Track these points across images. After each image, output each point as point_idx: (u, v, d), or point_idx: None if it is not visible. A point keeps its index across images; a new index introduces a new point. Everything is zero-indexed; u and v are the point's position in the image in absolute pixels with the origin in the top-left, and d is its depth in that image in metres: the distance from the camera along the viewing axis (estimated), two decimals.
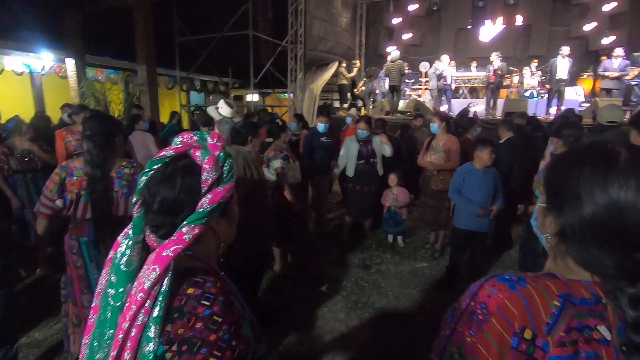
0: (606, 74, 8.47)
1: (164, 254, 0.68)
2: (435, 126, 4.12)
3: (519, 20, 12.21)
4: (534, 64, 10.38)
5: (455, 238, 3.58)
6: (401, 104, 10.18)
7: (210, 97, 14.58)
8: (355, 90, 10.69)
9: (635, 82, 8.48)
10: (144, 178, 0.77)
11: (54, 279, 2.34)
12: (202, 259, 0.79)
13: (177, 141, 0.79)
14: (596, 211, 0.61)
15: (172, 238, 0.70)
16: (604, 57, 9.45)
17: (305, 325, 2.92)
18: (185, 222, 0.72)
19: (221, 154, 0.79)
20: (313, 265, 3.96)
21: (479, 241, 3.44)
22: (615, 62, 8.25)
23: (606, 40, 10.89)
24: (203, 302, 0.68)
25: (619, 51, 8.27)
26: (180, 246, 0.69)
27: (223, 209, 0.79)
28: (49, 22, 8.27)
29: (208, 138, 0.79)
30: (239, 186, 2.42)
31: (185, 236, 0.70)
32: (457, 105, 10.06)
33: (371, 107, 11.29)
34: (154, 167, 0.77)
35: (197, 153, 0.77)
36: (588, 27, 11.29)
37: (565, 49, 8.34)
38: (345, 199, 4.96)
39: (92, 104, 7.84)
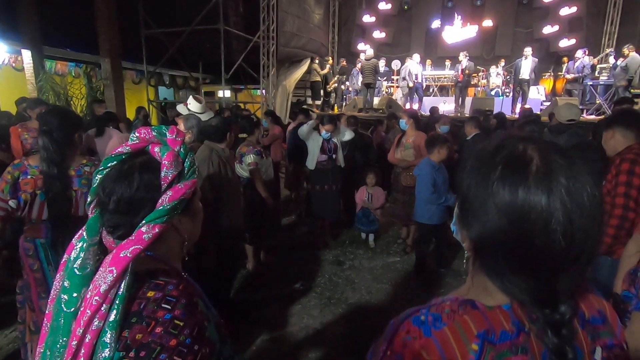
0: (567, 75, 8.98)
1: (121, 254, 0.64)
2: (403, 122, 4.21)
3: (485, 21, 12.65)
4: (502, 64, 10.80)
5: (422, 233, 3.67)
6: (375, 101, 10.30)
7: (180, 92, 14.17)
8: (327, 87, 10.70)
9: (590, 83, 8.98)
10: (98, 176, 0.73)
11: (9, 285, 2.20)
12: (164, 260, 0.75)
13: (134, 137, 0.75)
14: (503, 227, 0.53)
15: (130, 238, 0.67)
16: (565, 59, 9.98)
17: (279, 323, 2.90)
18: (144, 221, 0.68)
19: (182, 150, 0.76)
20: (286, 263, 3.94)
21: (442, 233, 3.58)
22: (576, 63, 8.76)
23: (565, 43, 11.49)
24: (164, 305, 0.65)
25: (579, 53, 8.76)
26: (139, 246, 0.65)
27: (185, 206, 0.76)
28: (2, 9, 7.71)
29: (167, 133, 0.76)
30: (213, 184, 2.38)
31: (145, 236, 0.67)
32: (428, 103, 10.30)
33: (344, 104, 11.35)
34: (110, 164, 0.73)
35: (156, 149, 0.74)
36: (548, 29, 11.88)
37: (528, 50, 8.71)
38: (309, 198, 4.71)
39: (52, 98, 7.40)
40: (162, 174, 0.72)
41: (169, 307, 0.65)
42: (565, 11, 11.57)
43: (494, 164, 0.55)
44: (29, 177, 1.76)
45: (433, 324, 0.58)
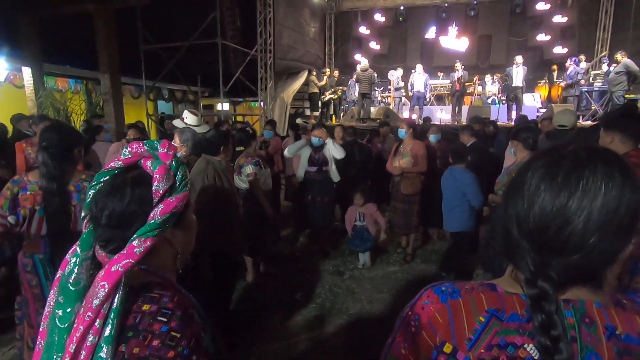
0: (561, 83, 9.11)
1: (113, 269, 0.65)
2: (402, 132, 4.22)
3: (479, 31, 12.85)
4: (498, 76, 10.95)
5: (463, 242, 3.58)
6: (372, 111, 10.40)
7: (179, 106, 14.28)
8: (322, 97, 10.80)
9: (585, 89, 9.08)
10: (91, 192, 0.74)
11: (8, 300, 2.19)
12: (158, 272, 0.76)
13: (126, 152, 0.76)
14: (529, 209, 0.59)
15: (122, 252, 0.67)
16: (555, 67, 10.13)
17: (280, 335, 2.88)
18: (135, 235, 0.69)
19: (173, 163, 0.76)
20: (286, 274, 3.92)
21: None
22: (568, 70, 8.90)
23: (558, 50, 11.66)
24: (159, 318, 0.66)
25: (568, 62, 8.91)
26: (130, 260, 0.66)
27: (178, 219, 0.76)
28: (3, 27, 7.83)
29: (159, 147, 0.77)
30: (210, 196, 2.39)
31: (136, 249, 0.67)
32: (427, 112, 10.40)
33: (342, 114, 11.44)
34: (102, 179, 0.74)
35: (148, 163, 0.74)
36: (542, 37, 12.05)
37: (519, 58, 8.83)
38: (297, 208, 4.64)
39: (52, 114, 7.46)
40: (154, 188, 0.72)
41: (164, 319, 0.66)
42: (557, 19, 11.76)
43: (542, 159, 0.62)
44: (28, 192, 1.78)
45: (451, 294, 0.66)
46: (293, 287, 3.60)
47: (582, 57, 9.43)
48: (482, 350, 0.59)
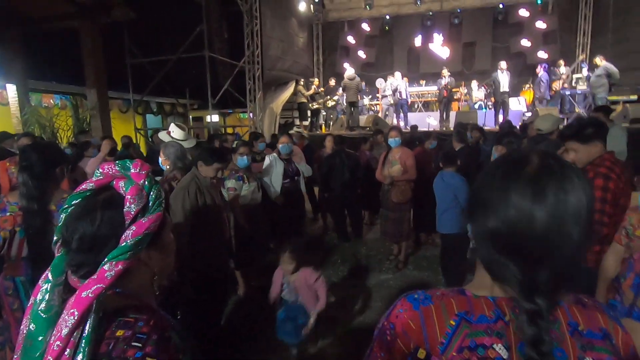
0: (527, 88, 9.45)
1: (83, 295, 0.63)
2: (398, 140, 4.20)
3: (464, 38, 13.11)
4: (484, 86, 11.18)
5: (454, 244, 3.56)
6: (361, 120, 10.48)
7: (168, 119, 14.21)
8: (310, 105, 10.86)
9: (569, 92, 9.28)
10: (63, 215, 0.72)
11: None
12: (134, 295, 0.74)
13: (98, 173, 0.75)
14: (498, 219, 0.60)
15: (92, 277, 0.66)
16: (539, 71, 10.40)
17: (272, 347, 2.84)
18: (106, 259, 0.67)
19: (146, 183, 0.75)
20: None
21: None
22: (539, 76, 9.20)
23: (542, 55, 11.93)
24: (134, 343, 0.64)
25: (539, 67, 9.21)
26: (102, 285, 0.64)
27: (153, 239, 0.74)
28: None
29: (131, 167, 0.75)
30: (191, 212, 2.37)
31: (107, 274, 0.66)
32: (413, 119, 10.51)
33: (332, 123, 11.50)
34: (74, 202, 0.73)
35: (121, 183, 0.73)
36: (525, 43, 12.34)
37: (503, 64, 9.03)
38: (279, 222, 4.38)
39: (38, 131, 7.37)
40: (125, 209, 0.71)
41: (139, 344, 0.64)
42: (539, 25, 12.06)
43: (499, 167, 0.64)
44: (7, 214, 1.74)
45: (422, 301, 0.67)
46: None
47: (562, 61, 9.66)
48: (454, 354, 0.60)
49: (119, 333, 0.65)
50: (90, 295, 0.63)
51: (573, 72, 10.04)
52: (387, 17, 13.44)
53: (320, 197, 5.71)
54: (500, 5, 12.35)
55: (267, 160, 4.18)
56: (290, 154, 4.33)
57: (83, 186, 0.74)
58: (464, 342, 0.61)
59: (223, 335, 2.89)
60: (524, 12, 12.23)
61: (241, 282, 3.64)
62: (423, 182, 4.29)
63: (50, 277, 0.69)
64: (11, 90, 8.08)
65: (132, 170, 0.75)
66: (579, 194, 0.57)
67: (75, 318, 0.62)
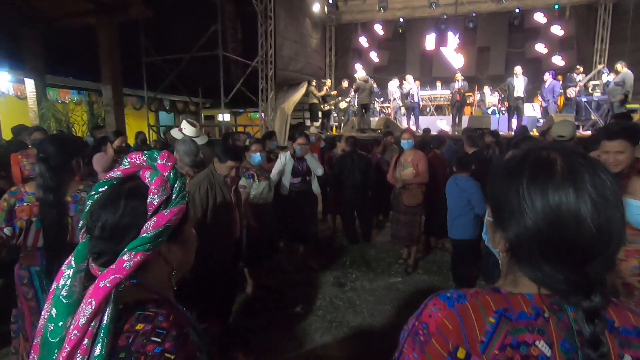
0: (539, 97, 9.26)
1: (101, 284, 0.62)
2: (411, 142, 4.16)
3: (478, 42, 12.99)
4: (498, 91, 11.06)
5: (466, 250, 3.51)
6: (372, 122, 10.45)
7: (181, 117, 14.36)
8: (322, 106, 10.86)
9: (585, 99, 9.11)
10: (89, 202, 0.72)
11: (4, 314, 2.16)
12: (153, 289, 0.73)
13: (126, 162, 0.75)
14: (538, 223, 0.58)
15: (111, 267, 0.65)
16: (560, 77, 10.22)
17: (280, 348, 2.82)
18: (126, 249, 0.66)
19: (171, 175, 0.74)
20: (287, 285, 3.87)
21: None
22: (546, 84, 9.02)
23: (557, 61, 11.75)
24: (153, 338, 0.63)
25: (547, 75, 9.05)
26: (119, 276, 0.63)
27: (173, 233, 0.73)
28: (6, 40, 7.93)
29: (158, 158, 0.75)
30: (202, 209, 2.37)
31: (126, 264, 0.65)
32: (424, 123, 10.44)
33: (342, 125, 11.49)
34: (101, 189, 0.72)
35: (147, 174, 0.73)
36: (540, 49, 12.17)
37: (518, 69, 8.91)
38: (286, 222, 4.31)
39: (54, 125, 7.51)
40: (148, 200, 0.70)
41: (158, 340, 0.63)
42: (555, 30, 11.88)
43: (522, 170, 0.62)
44: (25, 204, 1.76)
45: (457, 299, 0.65)
46: (293, 300, 3.55)
47: (580, 67, 9.49)
48: (496, 352, 0.59)
49: (139, 327, 0.64)
50: (107, 285, 0.62)
51: (592, 79, 9.86)
52: (401, 20, 13.39)
53: (328, 198, 5.69)
54: (517, 10, 12.21)
55: (280, 159, 4.17)
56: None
57: (111, 174, 0.74)
58: (505, 340, 0.59)
59: (231, 335, 2.89)
60: (540, 17, 12.07)
61: (250, 280, 3.64)
62: (434, 186, 4.25)
63: (72, 263, 0.68)
64: (29, 84, 8.24)
65: (159, 162, 0.75)
66: (609, 178, 0.58)
67: (93, 308, 0.61)
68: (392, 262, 4.51)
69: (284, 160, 4.10)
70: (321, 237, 5.37)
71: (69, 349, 0.60)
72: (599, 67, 10.62)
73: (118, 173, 0.74)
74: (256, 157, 3.49)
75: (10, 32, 7.81)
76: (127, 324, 0.65)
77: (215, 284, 2.46)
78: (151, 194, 0.71)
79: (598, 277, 0.58)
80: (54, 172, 1.76)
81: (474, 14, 12.76)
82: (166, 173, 0.74)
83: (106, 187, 0.73)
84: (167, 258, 0.75)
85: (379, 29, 13.59)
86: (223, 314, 2.72)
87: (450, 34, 13.12)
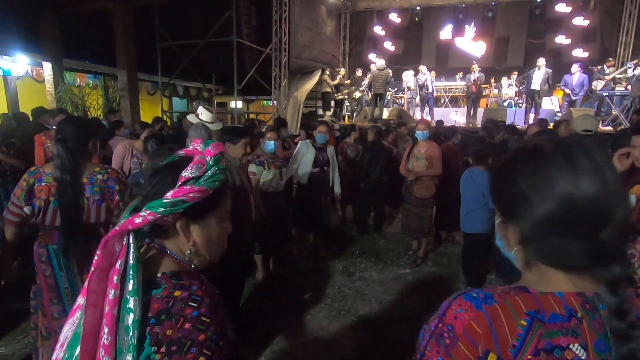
0: (566, 90, 8.90)
1: (115, 228, 0.71)
2: (426, 133, 4.10)
3: (497, 32, 12.62)
4: (514, 75, 10.73)
5: (478, 244, 3.46)
6: (385, 112, 10.32)
7: (194, 103, 14.43)
8: (335, 95, 10.76)
9: (607, 93, 8.83)
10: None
11: (22, 290, 2.23)
12: (185, 262, 0.80)
13: (190, 144, 0.84)
14: (549, 207, 0.59)
15: (129, 217, 0.72)
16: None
17: (288, 334, 2.86)
18: (145, 207, 0.73)
19: (211, 161, 0.79)
20: (296, 273, 3.91)
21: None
22: (574, 77, 8.68)
23: (579, 53, 11.36)
24: (190, 303, 0.69)
25: (575, 67, 8.69)
26: (129, 225, 0.71)
27: (192, 212, 0.77)
28: (25, 24, 8.03)
29: (209, 146, 0.82)
30: None
31: (137, 219, 0.71)
32: (439, 114, 10.27)
33: (355, 114, 11.39)
34: (164, 163, 0.82)
35: (197, 157, 0.80)
36: (561, 40, 11.77)
37: (541, 61, 8.64)
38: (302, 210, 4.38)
39: (70, 109, 7.63)
40: (182, 174, 0.76)
41: (195, 305, 0.69)
42: (578, 21, 11.46)
43: (515, 160, 0.64)
44: (43, 184, 1.80)
45: (484, 300, 0.61)
46: (302, 287, 3.59)
47: (612, 60, 9.12)
48: (529, 357, 0.56)
49: (177, 293, 0.71)
50: (117, 228, 0.71)
51: (621, 74, 9.48)
52: (418, 8, 13.08)
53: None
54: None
55: (299, 146, 4.15)
56: (326, 144, 4.26)
57: (179, 151, 0.83)
58: (539, 344, 0.56)
59: (240, 320, 2.94)
60: (562, 7, 11.62)
61: (260, 267, 3.68)
62: (447, 178, 4.20)
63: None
64: (47, 68, 8.36)
65: (209, 148, 0.81)
66: (596, 150, 0.61)
67: (100, 247, 0.70)
68: (402, 253, 4.51)
69: (304, 149, 4.09)
70: (331, 226, 5.39)
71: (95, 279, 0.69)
72: (633, 62, 10.20)
73: (181, 152, 0.82)
74: (270, 144, 3.47)
75: (29, 16, 7.90)
76: (165, 291, 0.71)
77: (229, 267, 2.49)
78: (187, 169, 0.76)
79: (615, 244, 0.57)
80: (71, 154, 1.79)
81: (493, 3, 12.38)
82: (208, 157, 0.79)
83: (170, 160, 0.82)
84: (185, 234, 0.79)
85: (394, 17, 13.28)
86: (234, 297, 2.76)
87: (467, 23, 12.77)
